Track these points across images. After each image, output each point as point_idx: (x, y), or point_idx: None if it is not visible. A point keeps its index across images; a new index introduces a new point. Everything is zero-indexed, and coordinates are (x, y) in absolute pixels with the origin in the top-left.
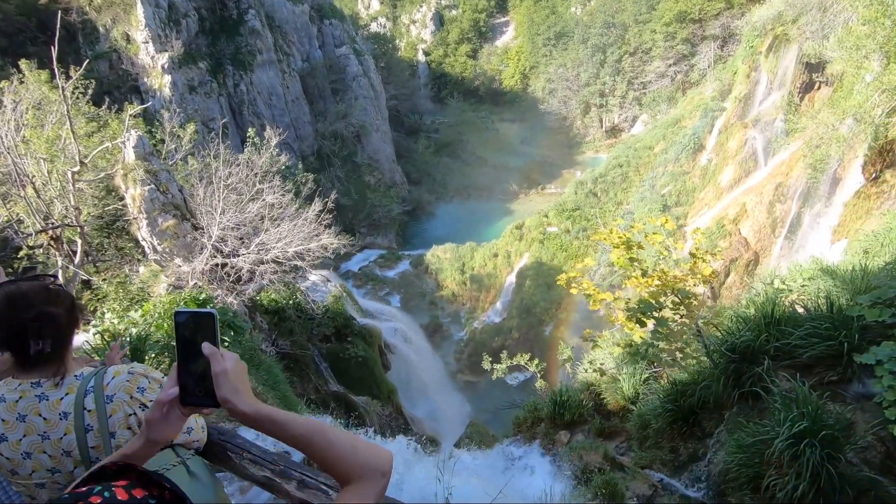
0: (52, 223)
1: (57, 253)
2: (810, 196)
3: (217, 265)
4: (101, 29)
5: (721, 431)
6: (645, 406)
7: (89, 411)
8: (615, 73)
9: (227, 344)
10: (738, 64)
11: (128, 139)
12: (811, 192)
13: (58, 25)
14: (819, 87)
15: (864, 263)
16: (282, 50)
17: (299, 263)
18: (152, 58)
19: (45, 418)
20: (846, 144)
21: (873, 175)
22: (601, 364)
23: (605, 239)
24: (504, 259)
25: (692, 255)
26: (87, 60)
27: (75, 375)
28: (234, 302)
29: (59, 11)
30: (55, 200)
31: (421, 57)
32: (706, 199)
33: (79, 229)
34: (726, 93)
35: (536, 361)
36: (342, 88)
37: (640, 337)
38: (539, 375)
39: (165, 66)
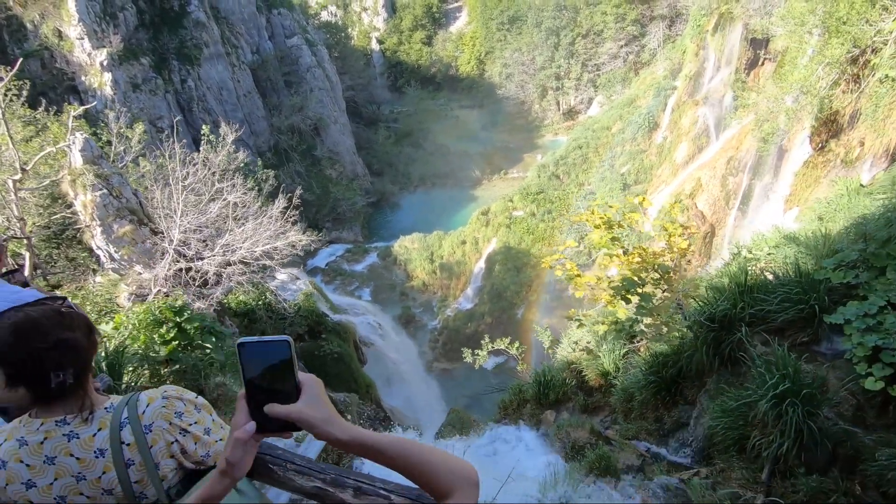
0: None
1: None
2: (760, 168)
3: (181, 270)
4: (28, 25)
5: (703, 398)
6: (627, 379)
7: (128, 445)
8: (569, 55)
9: (209, 351)
10: (686, 43)
11: (73, 142)
12: (760, 164)
13: None
14: (763, 63)
15: (825, 229)
16: (230, 42)
17: (267, 263)
18: (89, 55)
19: (78, 458)
20: (793, 117)
21: (820, 145)
22: (582, 342)
23: (587, 220)
24: (472, 245)
25: (665, 228)
26: (20, 59)
27: (105, 408)
28: (202, 307)
29: (21, 17)
30: None
31: (375, 45)
32: (663, 175)
33: (25, 241)
34: (677, 71)
35: (517, 344)
36: (296, 81)
37: (624, 314)
38: (519, 358)
39: (104, 64)
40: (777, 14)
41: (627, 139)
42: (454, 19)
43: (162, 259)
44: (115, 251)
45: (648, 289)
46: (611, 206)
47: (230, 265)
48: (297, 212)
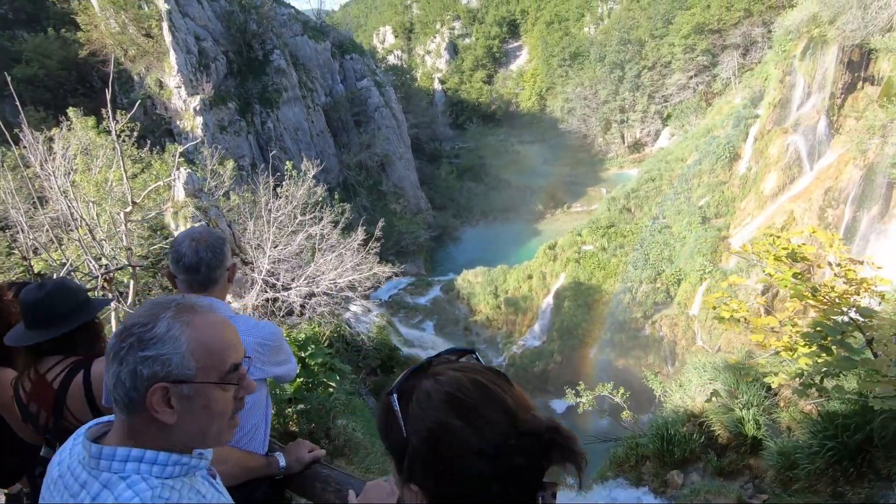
0: (107, 266)
1: (110, 294)
2: (866, 199)
3: (268, 300)
4: (135, 77)
5: None
6: (784, 441)
7: None
8: (634, 88)
9: (331, 390)
10: (769, 69)
11: (178, 177)
12: (866, 195)
13: (111, 76)
14: (863, 87)
15: None
16: (306, 86)
17: (350, 295)
18: (184, 101)
19: None
20: None
21: None
22: (702, 390)
23: (765, 251)
24: (539, 280)
25: (841, 265)
26: (138, 103)
27: None
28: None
29: (113, 63)
30: (104, 242)
31: (437, 85)
32: (748, 208)
33: (131, 270)
34: (758, 99)
35: (622, 390)
36: (364, 120)
37: (806, 363)
38: (625, 405)
39: (197, 109)
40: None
41: (705, 170)
42: (515, 58)
43: (251, 289)
44: None
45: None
46: (791, 236)
47: (314, 296)
48: (378, 244)
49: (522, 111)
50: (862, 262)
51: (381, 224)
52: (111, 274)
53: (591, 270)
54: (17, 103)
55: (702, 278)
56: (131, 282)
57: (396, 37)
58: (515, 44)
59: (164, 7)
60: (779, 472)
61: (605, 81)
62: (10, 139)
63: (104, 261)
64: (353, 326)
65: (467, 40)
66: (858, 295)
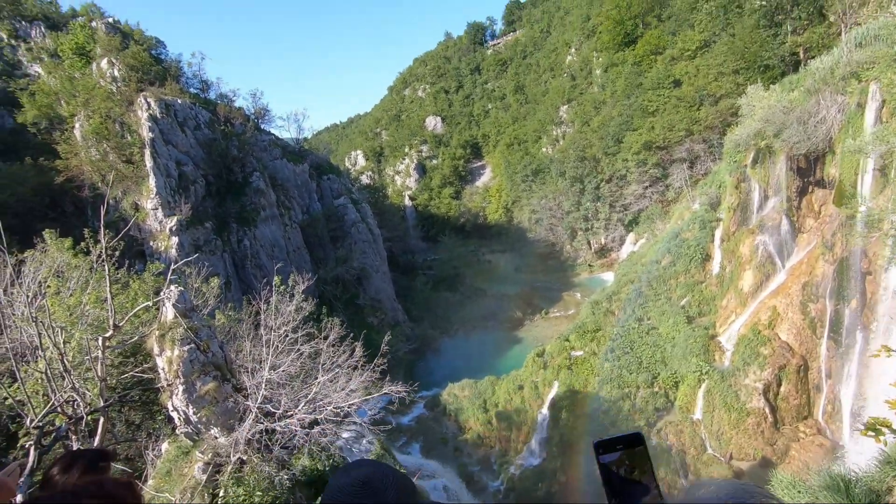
0: (74, 400)
1: (74, 437)
2: (843, 292)
3: (262, 432)
4: (111, 201)
5: None
6: None
7: None
8: (595, 199)
9: None
10: (723, 177)
11: (168, 296)
12: (843, 288)
13: (105, 204)
14: (813, 190)
15: None
16: (283, 205)
17: (356, 420)
18: (160, 222)
19: None
20: (867, 238)
21: None
22: None
23: None
24: (531, 391)
25: None
26: (126, 229)
27: None
28: (285, 477)
29: (89, 188)
30: (66, 374)
31: (408, 202)
32: (730, 306)
33: (101, 402)
34: (715, 204)
35: None
36: (341, 235)
37: None
38: None
39: (173, 229)
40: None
41: (680, 271)
42: (479, 175)
43: (242, 420)
44: (194, 412)
45: None
46: None
47: (317, 424)
48: (385, 360)
49: (491, 223)
50: None
51: (386, 338)
52: (83, 415)
53: (585, 377)
54: None
55: (699, 379)
56: (101, 420)
57: (367, 160)
58: (479, 163)
59: (147, 135)
60: None
61: (567, 194)
62: None
63: (67, 394)
64: (346, 457)
65: (434, 161)
66: None
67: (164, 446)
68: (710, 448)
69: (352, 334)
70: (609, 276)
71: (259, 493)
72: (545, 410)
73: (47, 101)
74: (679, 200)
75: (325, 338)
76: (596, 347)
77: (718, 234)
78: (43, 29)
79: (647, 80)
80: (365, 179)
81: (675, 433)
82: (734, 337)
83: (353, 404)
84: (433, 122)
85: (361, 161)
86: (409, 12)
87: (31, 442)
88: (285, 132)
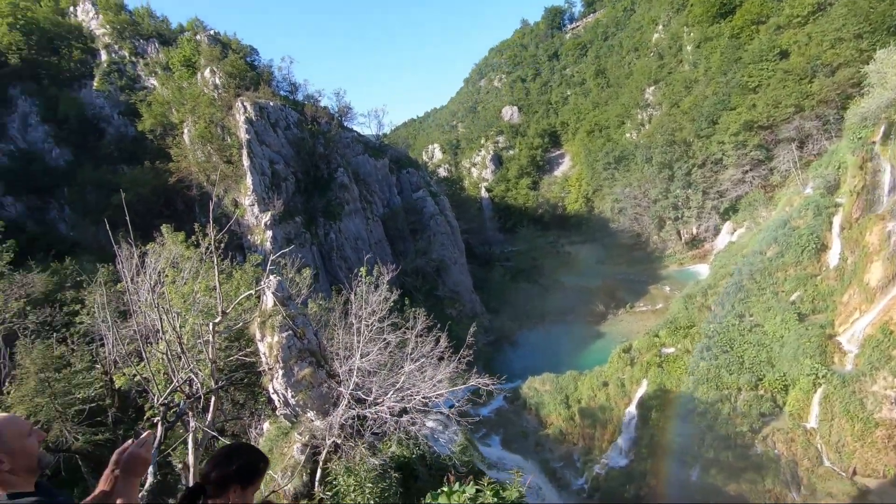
0: (191, 380)
1: (191, 413)
2: None
3: (354, 418)
4: (214, 199)
5: None
6: None
7: None
8: (686, 185)
9: None
10: (843, 157)
11: (269, 285)
12: None
13: (213, 202)
14: None
15: None
16: (366, 199)
17: (443, 410)
18: (256, 217)
19: None
20: None
21: None
22: None
23: None
24: (617, 388)
25: None
26: (230, 220)
27: None
28: (377, 464)
29: (211, 193)
30: (183, 355)
31: (484, 193)
32: (853, 302)
33: (213, 384)
34: (833, 188)
35: None
36: (420, 228)
37: None
38: None
39: (267, 224)
40: None
41: (790, 263)
42: (557, 165)
43: (335, 406)
44: (292, 395)
45: None
46: None
47: (406, 412)
48: (471, 351)
49: (570, 213)
50: None
51: (472, 328)
52: (195, 394)
53: (678, 376)
54: (108, 226)
55: (815, 384)
56: (212, 399)
57: (444, 152)
58: (557, 152)
59: (244, 137)
60: None
61: (654, 181)
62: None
63: (186, 374)
64: (432, 446)
65: (511, 151)
66: None
67: (266, 426)
68: (827, 460)
69: (439, 325)
70: (701, 269)
71: (370, 484)
72: (633, 409)
73: (161, 109)
74: (786, 185)
75: (413, 328)
76: (689, 345)
77: (837, 221)
78: (157, 45)
79: (748, 53)
80: (442, 172)
81: (784, 441)
82: (858, 337)
83: (440, 394)
84: (509, 112)
85: (438, 154)
86: (484, 2)
87: (159, 417)
88: (366, 129)
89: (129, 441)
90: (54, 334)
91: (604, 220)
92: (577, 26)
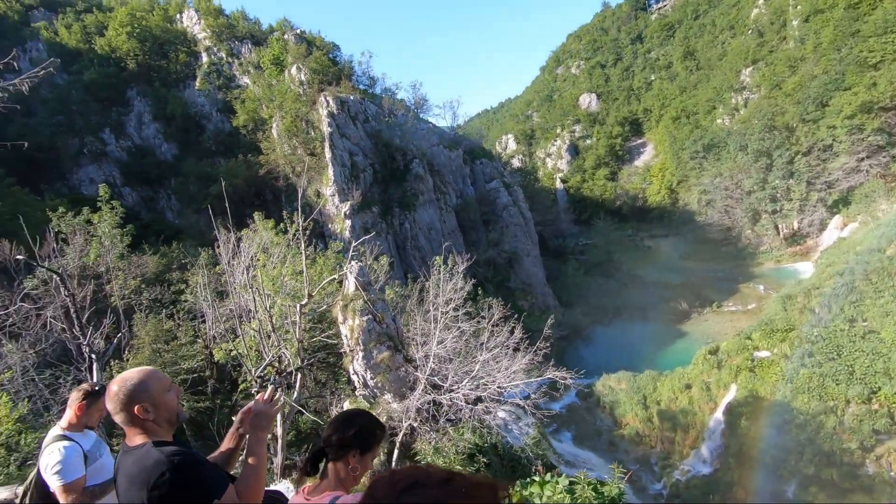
0: (280, 357)
1: (280, 388)
2: None
3: (430, 403)
4: (299, 190)
5: None
6: None
7: None
8: (787, 175)
9: None
10: None
11: (351, 270)
12: None
13: (301, 193)
14: None
15: None
16: (439, 190)
17: (519, 401)
18: (336, 207)
19: None
20: None
21: None
22: None
23: None
24: (701, 392)
25: None
26: (314, 209)
27: None
28: (454, 451)
29: (297, 184)
30: (273, 333)
31: (559, 184)
32: None
33: (299, 362)
34: None
35: None
36: (493, 218)
37: None
38: None
39: (347, 213)
40: None
41: None
42: (639, 154)
43: (412, 389)
44: (371, 377)
45: None
46: None
47: (480, 401)
48: (548, 343)
49: (651, 205)
50: None
51: (549, 321)
52: (285, 370)
53: (773, 383)
54: (210, 213)
55: None
56: (298, 376)
57: (518, 143)
58: (639, 140)
59: (327, 130)
60: None
61: (749, 170)
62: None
63: (277, 351)
64: (505, 437)
65: (588, 141)
66: None
67: (346, 405)
68: None
69: (515, 316)
70: (803, 267)
71: (458, 466)
72: (719, 415)
73: (252, 106)
74: None
75: (488, 318)
76: (787, 349)
77: None
78: (250, 46)
79: (868, 25)
80: (516, 163)
81: None
82: None
83: (516, 385)
84: (587, 100)
85: (512, 145)
86: None
87: (255, 389)
88: (441, 120)
89: (251, 402)
90: (163, 310)
91: (689, 213)
92: (664, 6)
